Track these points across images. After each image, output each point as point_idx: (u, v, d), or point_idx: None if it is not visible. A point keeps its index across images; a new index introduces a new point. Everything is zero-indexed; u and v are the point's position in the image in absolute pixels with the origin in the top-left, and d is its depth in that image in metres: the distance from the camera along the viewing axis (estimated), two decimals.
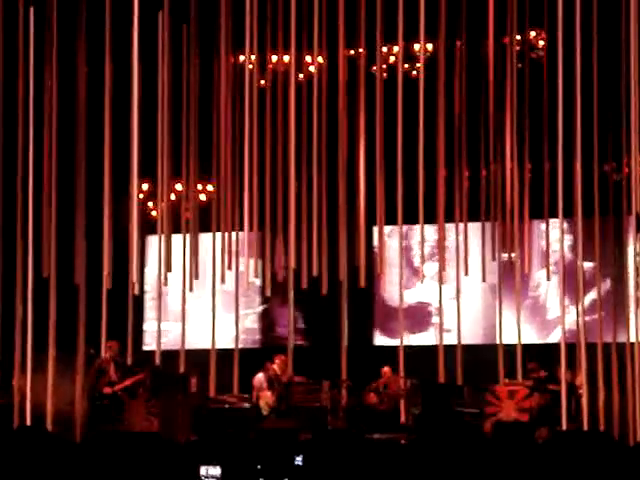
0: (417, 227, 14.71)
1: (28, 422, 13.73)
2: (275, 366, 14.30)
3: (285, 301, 15.55)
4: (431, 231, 15.14)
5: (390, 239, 15.35)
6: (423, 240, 14.74)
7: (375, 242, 15.15)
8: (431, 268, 15.47)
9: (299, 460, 10.10)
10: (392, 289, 15.80)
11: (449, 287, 15.22)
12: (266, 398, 14.03)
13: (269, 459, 10.26)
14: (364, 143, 14.51)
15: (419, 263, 15.20)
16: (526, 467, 10.26)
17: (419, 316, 16.65)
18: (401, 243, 14.88)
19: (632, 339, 13.89)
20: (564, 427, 13.22)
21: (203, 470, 9.27)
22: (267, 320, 17.30)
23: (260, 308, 17.21)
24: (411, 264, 16.23)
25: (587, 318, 14.36)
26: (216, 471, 9.01)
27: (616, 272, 15.02)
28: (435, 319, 15.70)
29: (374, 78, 14.62)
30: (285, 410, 13.96)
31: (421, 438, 12.78)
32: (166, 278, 14.99)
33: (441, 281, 15.02)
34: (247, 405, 13.96)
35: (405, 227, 14.92)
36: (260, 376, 14.14)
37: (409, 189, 14.35)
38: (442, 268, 14.94)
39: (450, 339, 15.10)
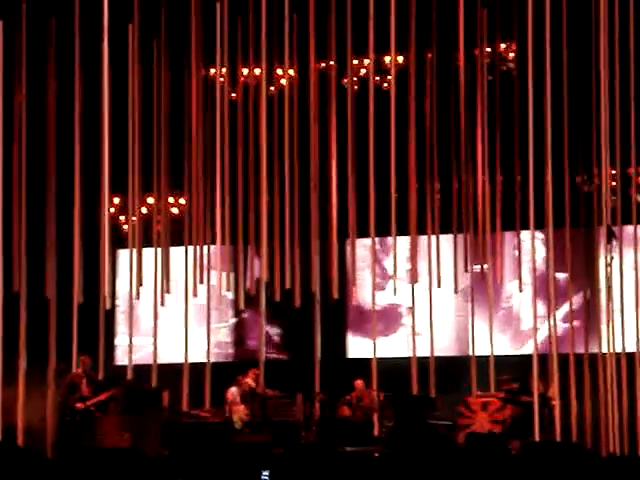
0: (389, 239, 14.72)
1: None
2: (249, 379, 14.25)
3: (258, 314, 15.52)
4: (403, 243, 15.12)
5: (362, 251, 15.33)
6: (395, 252, 14.73)
7: (347, 255, 15.15)
8: (403, 280, 15.47)
9: (266, 475, 10.03)
10: (365, 301, 15.79)
11: (422, 299, 15.23)
12: (239, 412, 13.97)
13: (237, 474, 10.18)
14: (336, 155, 14.52)
15: (392, 274, 15.18)
16: (500, 479, 10.22)
17: (392, 327, 16.64)
18: (373, 255, 14.87)
19: (604, 350, 13.91)
20: (537, 438, 13.21)
21: None
22: (239, 333, 17.25)
23: (233, 321, 17.16)
24: (383, 275, 16.23)
25: (560, 329, 14.39)
26: None
27: (587, 283, 15.05)
28: (408, 330, 15.68)
29: (345, 90, 14.65)
30: (259, 424, 13.89)
31: (394, 450, 12.74)
32: (138, 292, 14.93)
33: (413, 293, 15.02)
34: (220, 419, 13.88)
35: (377, 239, 14.92)
36: (233, 390, 14.08)
37: (381, 201, 14.35)
38: (414, 280, 14.95)
39: (423, 351, 15.12)
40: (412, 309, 15.13)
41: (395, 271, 14.96)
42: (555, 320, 13.86)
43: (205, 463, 10.07)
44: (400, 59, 14.78)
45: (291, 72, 14.86)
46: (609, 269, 13.82)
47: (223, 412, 14.22)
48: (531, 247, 14.16)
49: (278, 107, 14.70)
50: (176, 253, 15.21)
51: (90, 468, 9.85)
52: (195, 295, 15.18)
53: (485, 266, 14.94)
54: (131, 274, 14.73)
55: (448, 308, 16.31)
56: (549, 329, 13.86)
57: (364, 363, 15.12)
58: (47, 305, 14.21)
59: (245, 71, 15.09)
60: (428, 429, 13.39)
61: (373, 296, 15.04)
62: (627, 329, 14.07)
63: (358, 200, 14.53)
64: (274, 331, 17.04)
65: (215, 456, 10.44)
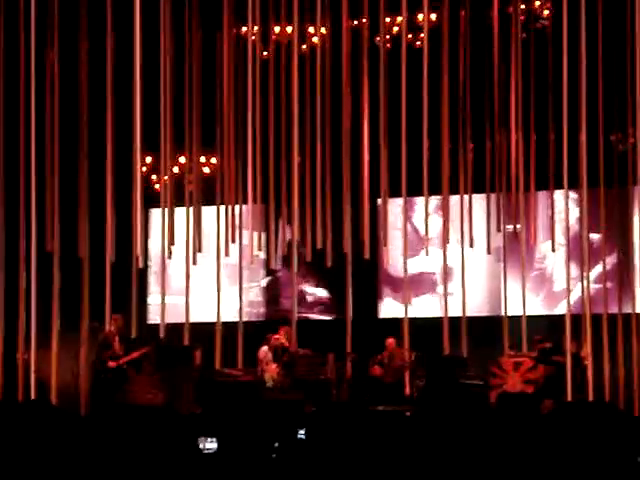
0: (421, 199, 14.64)
1: (32, 396, 13.73)
2: (280, 337, 14.29)
3: (289, 273, 15.52)
4: (435, 203, 15.05)
5: (395, 211, 15.27)
6: (427, 213, 14.66)
7: (379, 214, 15.10)
8: (436, 240, 15.41)
9: (302, 433, 10.05)
10: (397, 261, 15.74)
11: (454, 259, 15.18)
12: (271, 371, 14.01)
13: (271, 432, 10.22)
14: (368, 114, 14.43)
15: (424, 235, 15.11)
16: (531, 438, 10.21)
17: (424, 287, 16.61)
18: (405, 215, 14.81)
19: (638, 310, 13.83)
20: (569, 398, 13.18)
21: (201, 443, 9.23)
22: (273, 293, 17.27)
23: (265, 280, 17.17)
24: (416, 236, 16.17)
25: (593, 290, 14.31)
26: (213, 444, 8.96)
27: (621, 243, 14.95)
28: (440, 290, 15.64)
29: (377, 49, 14.52)
30: (290, 382, 13.93)
31: (425, 410, 12.74)
32: (170, 251, 14.96)
33: (445, 253, 14.96)
34: (251, 378, 13.93)
35: (410, 199, 14.85)
36: (265, 349, 14.12)
37: (413, 161, 14.27)
38: (446, 240, 14.88)
39: (455, 311, 15.08)
40: (444, 269, 15.07)
41: (427, 231, 14.89)
42: (588, 280, 13.78)
43: (238, 421, 10.12)
44: (433, 17, 14.63)
45: (323, 30, 14.74)
46: None
47: (255, 371, 14.28)
48: (565, 207, 14.05)
49: (310, 66, 14.61)
50: (208, 212, 15.22)
51: (123, 425, 9.92)
52: (227, 254, 15.19)
53: (518, 226, 14.85)
54: (163, 233, 14.75)
55: (480, 268, 16.24)
56: (582, 289, 13.78)
57: (396, 323, 15.11)
58: (80, 264, 14.26)
59: (277, 29, 14.99)
60: (460, 389, 13.40)
61: (405, 256, 14.99)
62: None
63: (390, 160, 14.44)
64: (308, 290, 17.05)
65: (248, 414, 10.48)
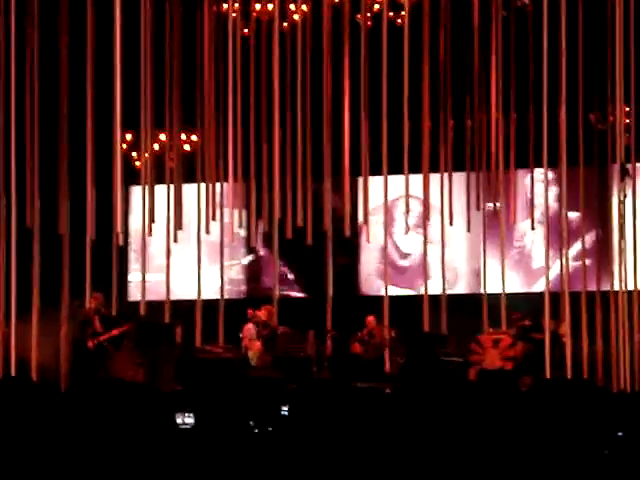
0: (401, 177, 14.67)
1: (13, 372, 13.73)
2: (261, 313, 14.35)
3: (270, 251, 15.54)
4: (416, 181, 15.10)
5: (375, 189, 15.30)
6: (407, 190, 14.70)
7: (360, 192, 15.12)
8: (416, 218, 15.47)
9: (285, 410, 10.10)
10: (377, 240, 15.81)
11: (434, 237, 15.23)
12: (255, 348, 14.08)
13: (253, 409, 10.26)
14: (349, 92, 14.43)
15: (404, 213, 15.16)
16: (510, 415, 10.28)
17: (405, 266, 16.67)
18: (386, 193, 14.84)
19: (616, 287, 13.93)
20: (548, 375, 13.28)
21: (179, 418, 9.26)
22: (254, 270, 17.31)
23: (247, 259, 17.20)
24: (397, 214, 16.22)
25: (572, 267, 14.39)
26: (190, 419, 8.98)
27: (600, 221, 15.04)
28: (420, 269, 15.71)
29: (359, 26, 14.51)
30: (271, 360, 13.99)
31: (406, 387, 12.81)
32: (150, 229, 14.95)
33: (425, 230, 15.01)
34: (233, 355, 13.98)
35: (390, 178, 14.88)
36: (250, 326, 14.17)
37: (394, 139, 14.29)
38: (426, 217, 14.93)
39: (435, 289, 15.15)
40: (424, 247, 15.12)
41: (407, 209, 14.93)
42: (567, 258, 13.87)
43: (218, 398, 10.14)
44: None
45: (304, 7, 14.72)
46: (622, 207, 13.80)
47: (237, 348, 14.31)
48: (544, 185, 14.11)
49: (290, 43, 14.59)
50: (189, 190, 15.21)
51: (103, 400, 9.93)
52: (208, 232, 15.19)
53: (498, 204, 14.91)
54: (144, 211, 14.74)
55: (460, 246, 16.31)
56: (561, 267, 13.87)
57: (375, 300, 15.17)
58: (60, 241, 14.24)
59: (257, 6, 14.96)
60: (439, 366, 13.49)
61: (385, 233, 15.04)
62: (639, 266, 14.07)
63: (371, 137, 14.47)
64: (286, 268, 17.09)
65: (230, 391, 10.51)
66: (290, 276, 17.17)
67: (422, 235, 15.11)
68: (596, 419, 10.06)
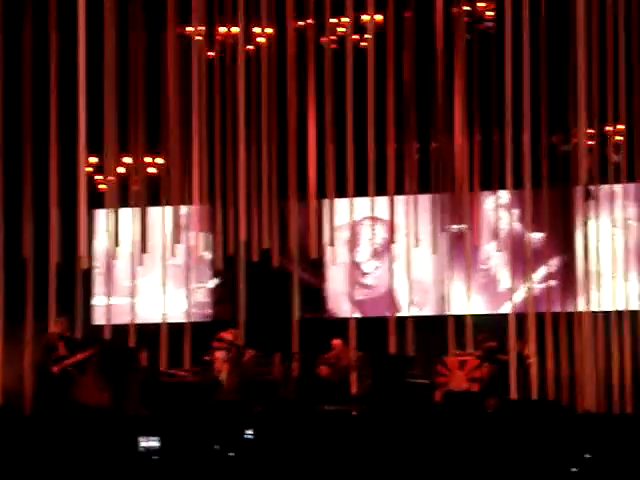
0: (367, 199, 14.71)
1: None
2: (227, 335, 14.34)
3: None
4: (381, 203, 15.13)
5: (340, 211, 15.34)
6: (373, 213, 14.73)
7: (325, 214, 15.14)
8: (382, 240, 15.50)
9: (249, 433, 10.08)
10: (343, 262, 15.83)
11: (400, 259, 15.26)
12: (225, 370, 14.06)
13: (219, 432, 10.23)
14: (314, 115, 14.48)
15: (369, 236, 15.21)
16: (476, 436, 10.31)
17: (370, 288, 16.69)
18: (351, 215, 14.86)
19: (580, 308, 14.01)
20: (514, 396, 13.31)
21: (143, 442, 9.20)
22: (218, 293, 17.26)
23: (212, 282, 17.15)
24: (363, 236, 16.25)
25: (537, 289, 14.46)
26: (154, 443, 8.94)
27: (565, 243, 15.13)
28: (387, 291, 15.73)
29: (323, 49, 14.58)
30: (238, 382, 13.95)
31: (372, 409, 12.82)
32: (115, 252, 14.89)
33: (391, 253, 15.04)
34: (199, 378, 13.93)
35: (356, 199, 14.90)
36: (223, 352, 14.16)
37: (359, 161, 14.34)
38: (392, 240, 14.97)
39: (401, 311, 15.18)
40: (390, 268, 15.16)
41: (373, 232, 14.97)
42: (532, 280, 13.93)
43: (184, 421, 10.10)
44: (378, 17, 14.70)
45: (269, 30, 14.76)
46: (586, 228, 13.91)
47: (203, 371, 14.23)
48: (508, 207, 14.20)
49: (256, 66, 14.63)
50: (154, 213, 15.17)
51: (68, 424, 9.87)
52: (173, 255, 15.16)
53: (463, 226, 14.98)
54: (108, 234, 14.68)
55: (426, 268, 16.34)
56: (526, 289, 13.93)
57: (342, 322, 15.16)
58: (24, 265, 14.16)
59: (222, 29, 14.98)
60: (406, 387, 13.50)
61: (351, 256, 15.06)
62: (603, 288, 14.17)
63: (336, 159, 14.51)
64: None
65: (195, 415, 10.47)
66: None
67: (387, 257, 15.13)
68: (562, 440, 10.10)
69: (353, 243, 15.12)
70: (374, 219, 14.85)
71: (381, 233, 15.56)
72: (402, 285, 15.39)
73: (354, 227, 15.32)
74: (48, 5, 13.97)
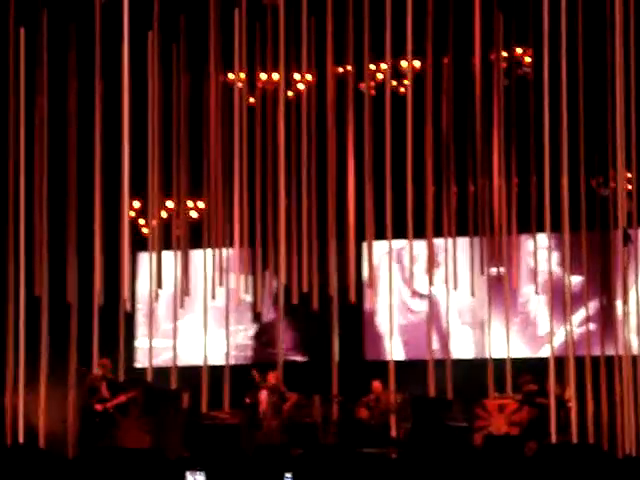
0: (406, 242, 14.80)
1: (21, 440, 13.77)
2: (269, 378, 14.44)
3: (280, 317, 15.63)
4: (420, 246, 15.22)
5: (380, 255, 15.45)
6: (412, 255, 14.81)
7: (365, 258, 15.25)
8: (421, 283, 15.56)
9: (289, 477, 10.16)
10: (382, 305, 15.90)
11: (439, 302, 15.32)
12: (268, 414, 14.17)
13: (259, 476, 10.31)
14: (353, 159, 14.63)
15: (409, 278, 15.26)
16: None
17: (410, 331, 16.74)
18: (390, 258, 14.96)
19: (620, 352, 13.98)
20: (553, 440, 13.30)
21: (189, 477, 9.33)
22: (259, 336, 17.38)
23: (253, 327, 17.27)
24: (402, 279, 16.32)
25: (576, 332, 14.45)
26: (201, 477, 9.06)
27: (603, 286, 15.12)
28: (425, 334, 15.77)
29: (362, 95, 14.74)
30: (279, 424, 14.03)
31: (412, 452, 12.84)
32: (157, 294, 15.08)
33: (430, 295, 15.10)
34: (239, 421, 14.02)
35: (395, 242, 15.00)
36: (265, 392, 14.26)
37: (398, 205, 14.44)
38: (431, 283, 15.03)
39: (440, 354, 15.20)
40: (429, 311, 15.21)
41: (412, 274, 15.04)
42: (571, 324, 13.93)
43: (226, 464, 10.20)
44: (417, 64, 14.87)
45: (309, 77, 14.97)
46: (625, 272, 13.91)
47: (244, 413, 14.31)
48: (547, 250, 14.23)
49: (295, 112, 14.82)
50: (195, 256, 15.36)
51: (111, 468, 10.00)
52: (214, 298, 15.31)
53: (501, 269, 15.02)
54: (151, 277, 14.87)
55: (465, 311, 16.38)
56: (565, 332, 13.93)
57: (381, 365, 15.21)
58: (68, 308, 14.36)
59: (263, 76, 15.22)
60: (445, 431, 13.51)
61: (390, 298, 15.12)
62: None
63: (375, 203, 14.63)
64: (293, 334, 17.15)
65: (236, 457, 10.56)
66: (294, 341, 17.23)
67: (427, 300, 15.19)
68: None
69: (392, 286, 15.18)
70: (414, 262, 14.91)
71: (421, 276, 15.62)
72: (442, 328, 15.43)
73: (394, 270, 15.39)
74: (94, 52, 14.25)
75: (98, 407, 13.60)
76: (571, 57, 13.69)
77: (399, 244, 15.57)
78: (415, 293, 15.39)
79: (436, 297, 15.33)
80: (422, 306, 15.96)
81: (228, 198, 14.84)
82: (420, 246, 15.07)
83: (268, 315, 16.93)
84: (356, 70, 14.83)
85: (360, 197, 14.61)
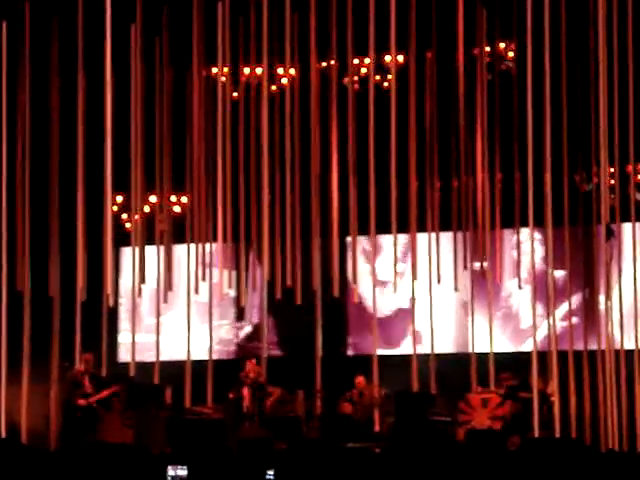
0: (389, 237, 14.81)
1: (3, 435, 13.74)
2: (248, 371, 14.41)
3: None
4: (403, 241, 15.23)
5: (363, 249, 15.46)
6: (396, 249, 14.83)
7: (348, 252, 15.25)
8: (404, 277, 15.58)
9: (270, 474, 10.16)
10: (365, 299, 15.91)
11: (422, 296, 15.33)
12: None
13: (241, 471, 10.30)
14: (336, 154, 14.63)
15: (392, 273, 15.28)
16: (499, 474, 10.35)
17: (392, 326, 16.76)
18: (374, 252, 14.97)
19: (603, 346, 14.02)
20: (536, 434, 13.33)
21: (171, 471, 9.31)
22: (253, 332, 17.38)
23: (243, 323, 17.26)
24: (382, 273, 16.34)
25: (559, 327, 14.48)
26: (183, 472, 9.04)
27: (586, 281, 15.16)
28: (408, 328, 15.79)
29: (346, 89, 14.75)
30: (260, 417, 14.02)
31: (395, 447, 12.86)
32: (140, 290, 15.05)
33: (413, 290, 15.11)
34: (222, 415, 14.00)
35: (377, 237, 15.01)
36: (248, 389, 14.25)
37: (381, 199, 14.45)
38: (414, 277, 15.04)
39: (423, 348, 15.23)
40: (412, 306, 15.22)
41: (395, 268, 15.06)
42: (554, 318, 13.97)
43: (209, 460, 10.19)
44: (400, 58, 14.87)
45: (292, 71, 14.96)
46: (608, 267, 13.95)
47: (227, 408, 14.30)
48: (530, 244, 14.26)
49: (279, 106, 14.81)
50: (178, 251, 15.34)
51: (93, 463, 9.98)
52: (197, 292, 15.29)
53: (485, 264, 15.04)
54: (134, 272, 14.84)
55: (448, 305, 16.41)
56: (548, 326, 13.97)
57: (364, 360, 15.23)
58: (51, 303, 14.32)
59: (247, 70, 15.20)
60: (428, 425, 13.53)
61: (374, 293, 15.14)
62: (626, 326, 14.19)
63: (358, 198, 14.64)
64: (275, 328, 17.15)
65: (219, 453, 10.55)
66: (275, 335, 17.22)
67: (410, 294, 15.22)
68: (585, 478, 10.12)
69: (374, 281, 15.19)
70: (396, 257, 14.93)
71: (403, 270, 15.64)
72: (424, 322, 15.44)
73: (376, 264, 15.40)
74: (76, 45, 14.20)
75: (81, 402, 13.57)
76: (554, 52, 13.72)
77: (382, 239, 15.55)
78: (397, 288, 15.39)
79: (419, 292, 15.33)
80: (405, 301, 15.96)
81: (211, 193, 14.82)
82: (403, 241, 15.06)
83: (251, 310, 16.93)
84: (339, 65, 14.83)
85: (344, 192, 14.62)
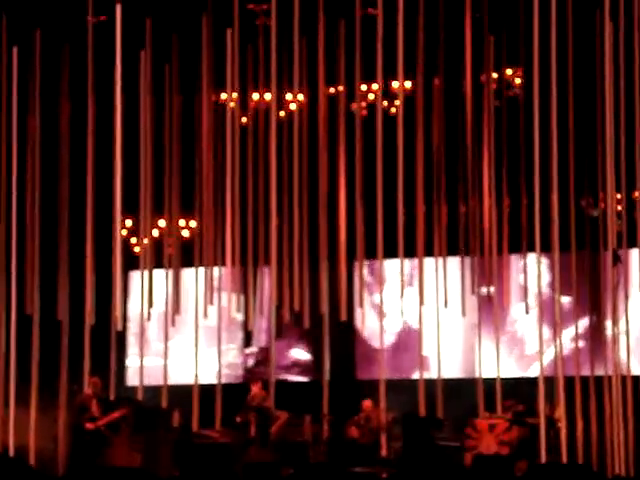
0: (397, 261, 14.85)
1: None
2: (254, 395, 14.42)
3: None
4: (411, 266, 15.28)
5: (371, 273, 15.50)
6: (403, 275, 14.86)
7: (356, 276, 15.29)
8: (411, 302, 15.60)
9: None
10: (372, 323, 15.93)
11: (429, 321, 15.35)
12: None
13: None
14: (344, 179, 14.70)
15: (399, 297, 15.31)
16: None
17: (400, 350, 16.77)
18: (382, 277, 15.00)
19: (609, 372, 14.02)
20: (543, 460, 13.32)
21: None
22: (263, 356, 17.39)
23: (252, 349, 17.27)
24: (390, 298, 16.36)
25: (565, 352, 14.49)
26: None
27: (593, 306, 15.18)
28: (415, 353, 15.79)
29: (354, 115, 14.83)
30: (263, 442, 14.01)
31: (402, 471, 12.86)
32: (149, 313, 15.11)
33: (421, 314, 15.14)
34: (230, 439, 14.01)
35: (385, 261, 15.04)
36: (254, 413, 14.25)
37: (389, 224, 14.51)
38: (422, 302, 15.07)
39: (430, 373, 15.24)
40: (419, 331, 15.24)
41: (402, 293, 15.08)
42: (561, 343, 13.98)
43: None
44: (408, 85, 14.96)
45: (300, 97, 15.05)
46: (615, 292, 13.96)
47: (234, 432, 14.31)
48: (537, 269, 14.28)
49: (287, 131, 14.89)
50: (187, 275, 15.39)
51: None
52: (205, 316, 15.33)
53: (492, 289, 15.06)
54: (142, 296, 14.90)
55: (455, 330, 16.43)
56: (555, 352, 13.98)
57: (372, 384, 15.24)
58: (59, 326, 14.38)
59: (255, 96, 15.30)
60: (435, 450, 13.53)
61: (381, 317, 15.17)
62: (632, 351, 14.20)
63: (366, 223, 14.69)
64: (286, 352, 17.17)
65: (226, 477, 10.57)
66: (287, 359, 17.24)
67: (417, 319, 15.23)
68: None
69: (382, 305, 15.23)
70: (404, 281, 14.96)
71: (411, 295, 15.67)
72: (431, 347, 15.46)
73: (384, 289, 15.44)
74: (86, 71, 14.32)
75: (89, 425, 13.60)
76: (561, 78, 13.78)
77: (390, 263, 15.59)
78: (405, 312, 15.40)
79: (427, 316, 15.35)
80: (412, 325, 15.98)
81: (220, 217, 14.89)
82: (411, 266, 15.11)
83: (259, 334, 16.97)
84: (347, 90, 14.91)
85: (351, 216, 14.68)
